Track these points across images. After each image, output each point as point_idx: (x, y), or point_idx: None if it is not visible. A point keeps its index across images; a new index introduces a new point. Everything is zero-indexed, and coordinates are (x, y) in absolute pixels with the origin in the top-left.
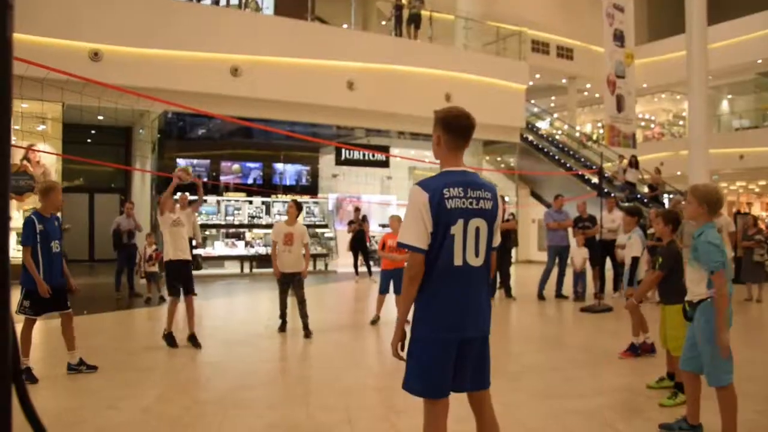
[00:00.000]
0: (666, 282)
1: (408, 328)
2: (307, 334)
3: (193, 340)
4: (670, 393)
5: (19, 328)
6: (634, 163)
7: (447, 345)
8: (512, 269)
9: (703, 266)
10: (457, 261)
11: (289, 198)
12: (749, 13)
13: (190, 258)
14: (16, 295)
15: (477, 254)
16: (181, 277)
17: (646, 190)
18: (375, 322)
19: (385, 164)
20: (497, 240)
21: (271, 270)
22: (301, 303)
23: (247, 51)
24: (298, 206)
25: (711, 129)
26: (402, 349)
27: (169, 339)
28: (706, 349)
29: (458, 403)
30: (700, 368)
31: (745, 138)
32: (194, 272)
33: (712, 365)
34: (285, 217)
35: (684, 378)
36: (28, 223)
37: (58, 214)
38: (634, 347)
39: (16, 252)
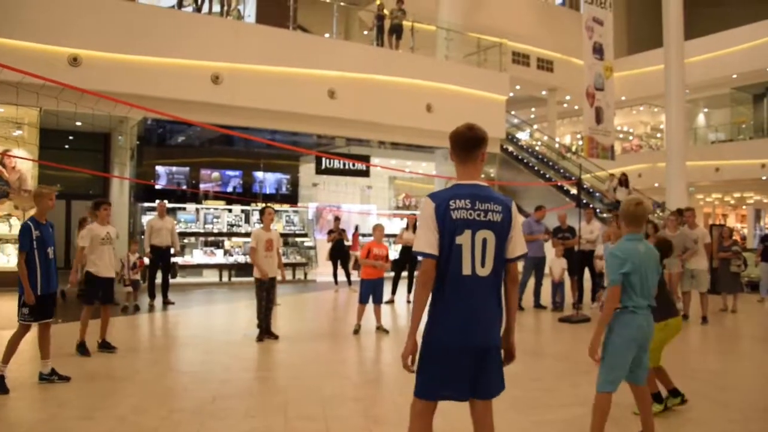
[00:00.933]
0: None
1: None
2: (272, 336)
3: (106, 346)
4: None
5: (7, 335)
6: (624, 182)
7: (452, 353)
8: None
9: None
10: (466, 270)
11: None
12: (725, 29)
13: (113, 275)
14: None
15: (483, 264)
16: (103, 288)
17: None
18: (357, 331)
19: (365, 174)
20: (516, 251)
21: (249, 278)
22: (270, 307)
23: (229, 59)
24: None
25: (688, 142)
26: (413, 362)
27: (82, 348)
28: (605, 355)
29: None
30: (634, 378)
31: (720, 151)
32: (171, 280)
33: (601, 371)
34: (258, 225)
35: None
36: (25, 229)
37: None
38: None
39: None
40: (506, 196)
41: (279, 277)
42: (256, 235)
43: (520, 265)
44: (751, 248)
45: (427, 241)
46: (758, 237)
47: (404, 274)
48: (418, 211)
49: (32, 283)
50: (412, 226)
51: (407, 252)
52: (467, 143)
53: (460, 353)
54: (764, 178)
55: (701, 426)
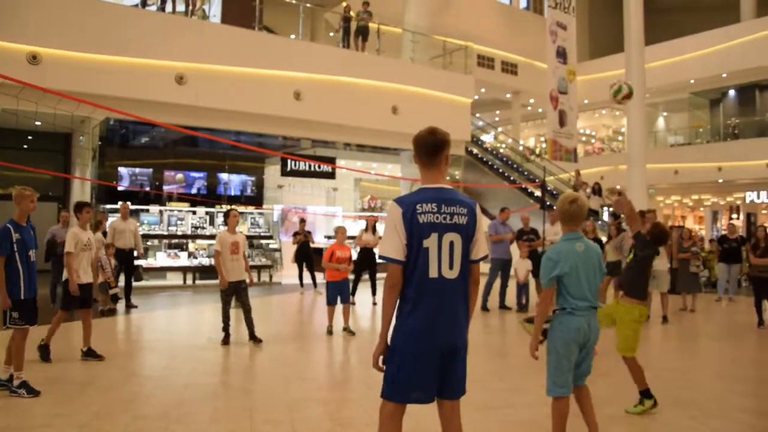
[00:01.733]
0: (633, 271)
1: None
2: (256, 341)
3: (92, 354)
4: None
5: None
6: (597, 190)
7: (421, 355)
8: None
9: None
10: (432, 273)
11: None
12: (683, 35)
13: (92, 281)
14: None
15: (451, 267)
16: (83, 294)
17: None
18: (330, 332)
19: (331, 176)
20: (479, 253)
21: (215, 281)
22: (248, 311)
23: (193, 59)
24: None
25: (648, 145)
26: (384, 362)
27: (44, 351)
28: (548, 358)
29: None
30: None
31: (679, 154)
32: (135, 283)
33: (548, 375)
34: (222, 228)
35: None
36: (4, 231)
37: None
38: None
39: None
40: (470, 198)
41: (247, 280)
42: (220, 239)
43: (486, 267)
44: (709, 249)
45: (393, 247)
46: (716, 238)
47: (365, 276)
48: (385, 214)
49: (15, 287)
50: (371, 228)
51: (367, 253)
52: (430, 148)
53: (429, 354)
54: (720, 180)
55: (663, 424)
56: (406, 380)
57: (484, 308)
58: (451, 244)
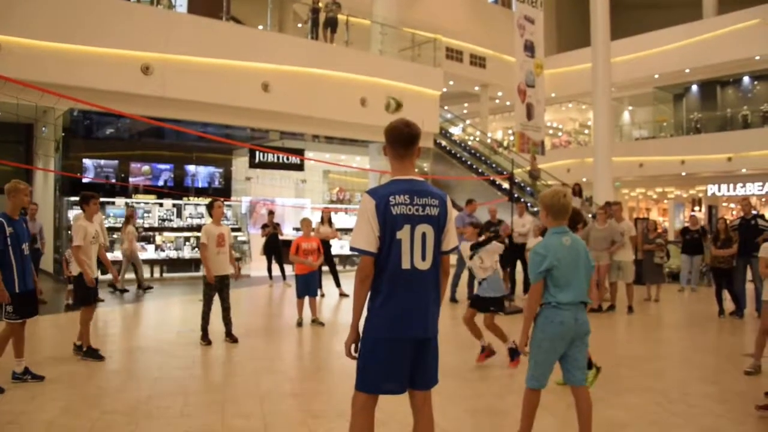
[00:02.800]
0: None
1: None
2: (232, 339)
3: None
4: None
5: None
6: (577, 192)
7: (393, 345)
8: None
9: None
10: (405, 264)
11: (202, 201)
12: (648, 30)
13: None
14: None
15: (424, 258)
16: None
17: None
18: (300, 324)
19: (299, 167)
20: (450, 244)
21: (183, 274)
22: (227, 309)
23: (159, 49)
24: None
25: (614, 138)
26: (356, 350)
27: (92, 352)
28: (531, 351)
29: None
30: (572, 379)
31: (644, 147)
32: (101, 277)
33: (528, 366)
34: (207, 220)
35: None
36: None
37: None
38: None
39: None
40: (440, 190)
41: (233, 273)
42: (206, 231)
43: (453, 258)
44: (673, 240)
45: (365, 239)
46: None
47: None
48: (358, 206)
49: (9, 281)
50: (327, 220)
51: (324, 246)
52: (405, 140)
53: (401, 344)
54: (684, 174)
55: (628, 410)
56: (378, 371)
57: (453, 299)
58: (424, 235)
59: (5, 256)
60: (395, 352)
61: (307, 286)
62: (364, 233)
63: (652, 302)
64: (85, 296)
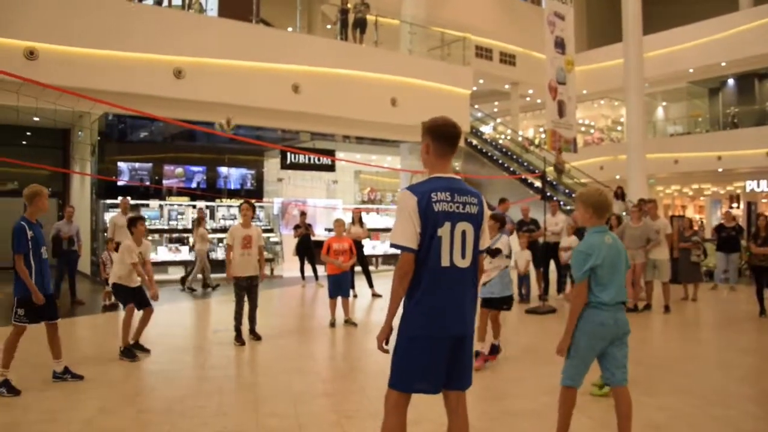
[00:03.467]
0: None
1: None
2: (256, 337)
3: (141, 348)
4: (600, 382)
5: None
6: (620, 195)
7: (430, 343)
8: None
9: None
10: (444, 262)
11: (235, 202)
12: (681, 24)
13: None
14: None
15: (464, 256)
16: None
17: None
18: (333, 324)
19: (330, 168)
20: (485, 242)
21: (216, 275)
22: (254, 308)
23: (191, 53)
24: (253, 207)
25: (647, 134)
26: (387, 343)
27: (128, 353)
28: (569, 351)
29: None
30: (612, 378)
31: (679, 143)
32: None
33: (565, 365)
34: (234, 222)
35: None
36: (20, 229)
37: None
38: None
39: None
40: (475, 188)
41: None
42: (231, 233)
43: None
44: (710, 239)
45: (406, 235)
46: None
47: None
48: (390, 206)
49: (28, 285)
50: (358, 221)
51: (356, 246)
52: (451, 138)
53: (438, 343)
54: (720, 170)
55: (665, 411)
56: (413, 369)
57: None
58: (464, 233)
59: (27, 260)
60: (432, 350)
61: (339, 286)
62: (405, 229)
63: (689, 301)
64: (125, 300)
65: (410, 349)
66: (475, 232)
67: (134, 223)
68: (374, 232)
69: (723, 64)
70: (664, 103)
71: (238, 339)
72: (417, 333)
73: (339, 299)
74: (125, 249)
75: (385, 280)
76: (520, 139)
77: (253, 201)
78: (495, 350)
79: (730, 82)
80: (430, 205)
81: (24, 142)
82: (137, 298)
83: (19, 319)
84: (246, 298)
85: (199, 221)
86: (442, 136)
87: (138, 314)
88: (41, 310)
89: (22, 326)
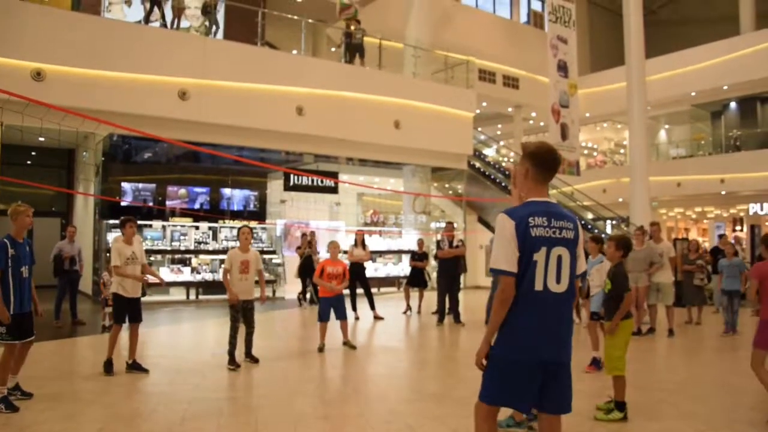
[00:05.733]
0: (613, 301)
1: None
2: (253, 359)
3: (137, 367)
4: (606, 406)
5: None
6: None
7: (520, 368)
8: (461, 295)
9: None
10: (538, 286)
11: (238, 223)
12: (684, 48)
13: (139, 295)
14: None
15: (558, 281)
16: (131, 308)
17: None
18: (321, 349)
19: (333, 190)
20: (581, 267)
21: (218, 296)
22: (251, 332)
23: (196, 75)
24: (251, 232)
25: (650, 157)
26: (486, 360)
27: (107, 366)
28: None
29: None
30: None
31: (681, 166)
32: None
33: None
34: (236, 244)
35: None
36: (1, 245)
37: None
38: (596, 361)
39: None
40: (571, 212)
41: (257, 298)
42: (230, 257)
43: (483, 280)
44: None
45: (506, 259)
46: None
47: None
48: (392, 229)
49: (5, 302)
50: (360, 243)
51: (358, 267)
52: (553, 165)
53: (528, 368)
54: (723, 192)
55: None
56: (502, 389)
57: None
58: (559, 258)
59: (4, 278)
60: (520, 374)
61: (334, 308)
62: (506, 253)
63: (693, 325)
64: (119, 314)
65: (499, 370)
66: (572, 256)
67: (123, 224)
68: (377, 255)
69: (725, 87)
70: (666, 126)
71: (232, 363)
72: (506, 356)
73: (334, 322)
74: (113, 250)
75: (386, 303)
76: None
77: (255, 223)
78: (596, 363)
79: (733, 105)
80: (528, 230)
81: (29, 162)
82: (130, 311)
83: (3, 337)
84: (242, 322)
85: (309, 244)
86: (545, 162)
87: (126, 331)
88: (23, 328)
89: (10, 344)
